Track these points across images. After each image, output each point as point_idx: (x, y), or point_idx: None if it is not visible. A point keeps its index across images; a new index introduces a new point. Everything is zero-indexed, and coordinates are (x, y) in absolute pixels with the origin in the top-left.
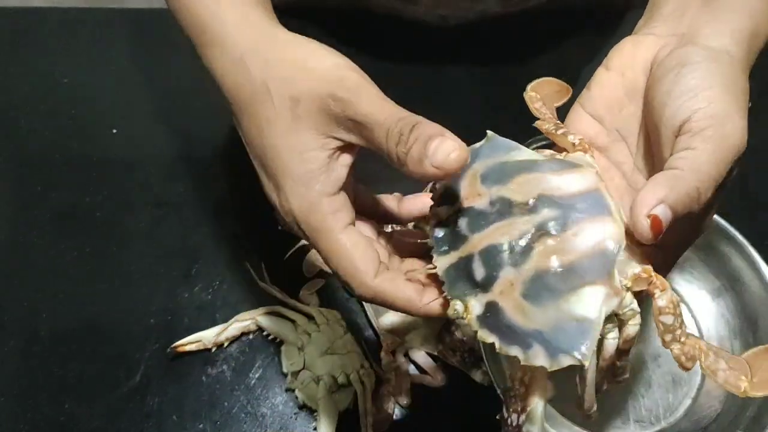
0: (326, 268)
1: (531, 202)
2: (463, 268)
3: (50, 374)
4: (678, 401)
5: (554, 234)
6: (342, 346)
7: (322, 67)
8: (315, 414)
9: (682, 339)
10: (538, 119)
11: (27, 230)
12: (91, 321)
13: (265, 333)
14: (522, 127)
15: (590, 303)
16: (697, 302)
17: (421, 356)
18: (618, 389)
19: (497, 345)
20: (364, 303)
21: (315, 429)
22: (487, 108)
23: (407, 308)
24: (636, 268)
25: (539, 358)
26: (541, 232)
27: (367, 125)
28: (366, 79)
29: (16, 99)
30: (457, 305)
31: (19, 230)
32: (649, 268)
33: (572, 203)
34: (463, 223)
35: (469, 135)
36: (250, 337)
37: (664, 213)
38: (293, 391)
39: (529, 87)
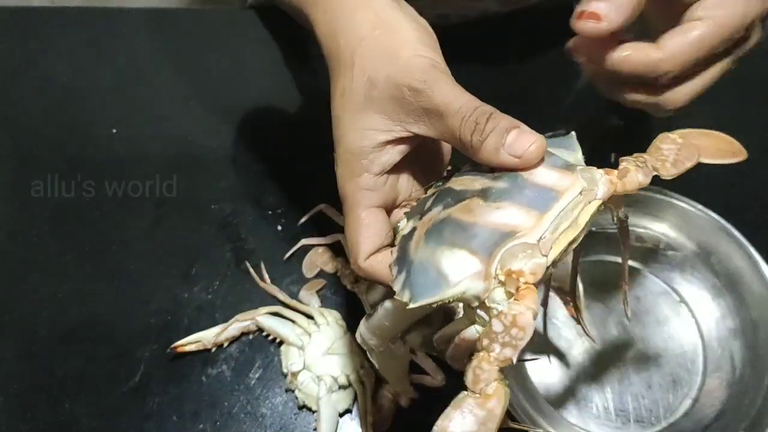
0: (326, 269)
1: (501, 172)
2: (425, 200)
3: (50, 374)
4: (678, 401)
5: (485, 199)
6: (342, 347)
7: (406, 57)
8: (315, 414)
9: (492, 356)
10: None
11: (27, 230)
12: (91, 321)
13: (264, 333)
14: None
15: (458, 266)
16: (697, 302)
17: (421, 356)
18: (618, 389)
19: (392, 260)
20: (364, 304)
21: (315, 429)
22: None
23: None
24: (519, 266)
25: (398, 283)
26: (480, 193)
27: (440, 113)
28: (445, 71)
29: (16, 99)
30: (401, 221)
31: (18, 230)
32: (523, 271)
33: (524, 187)
34: (455, 173)
35: None
36: (250, 337)
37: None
38: (293, 391)
39: (693, 131)
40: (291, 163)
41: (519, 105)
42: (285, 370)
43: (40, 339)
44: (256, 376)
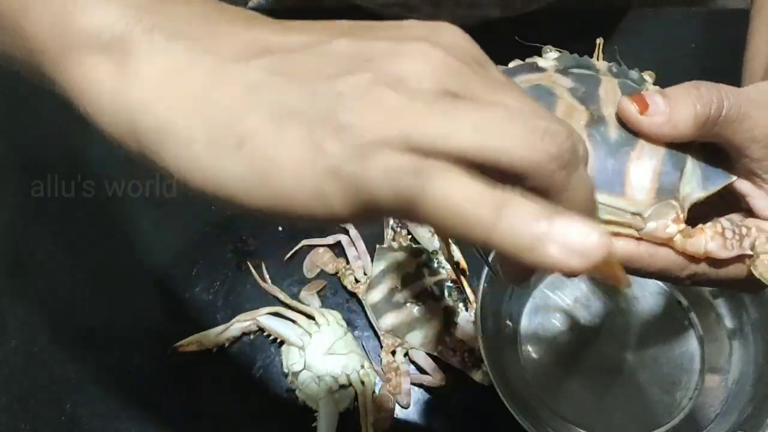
0: (327, 269)
1: (625, 126)
2: (571, 61)
3: (50, 375)
4: (677, 402)
5: (588, 125)
6: (342, 347)
7: None
8: (315, 414)
9: None
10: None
11: (26, 230)
12: (92, 321)
13: (265, 333)
14: None
15: None
16: (696, 302)
17: (421, 356)
18: (617, 390)
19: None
20: (364, 304)
21: (315, 429)
22: None
23: None
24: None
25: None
26: (592, 118)
27: None
28: None
29: (16, 99)
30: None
31: (18, 230)
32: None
33: (613, 157)
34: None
35: None
36: (251, 337)
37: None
38: (294, 391)
39: None
40: None
41: None
42: (286, 370)
43: (41, 339)
44: (257, 376)
